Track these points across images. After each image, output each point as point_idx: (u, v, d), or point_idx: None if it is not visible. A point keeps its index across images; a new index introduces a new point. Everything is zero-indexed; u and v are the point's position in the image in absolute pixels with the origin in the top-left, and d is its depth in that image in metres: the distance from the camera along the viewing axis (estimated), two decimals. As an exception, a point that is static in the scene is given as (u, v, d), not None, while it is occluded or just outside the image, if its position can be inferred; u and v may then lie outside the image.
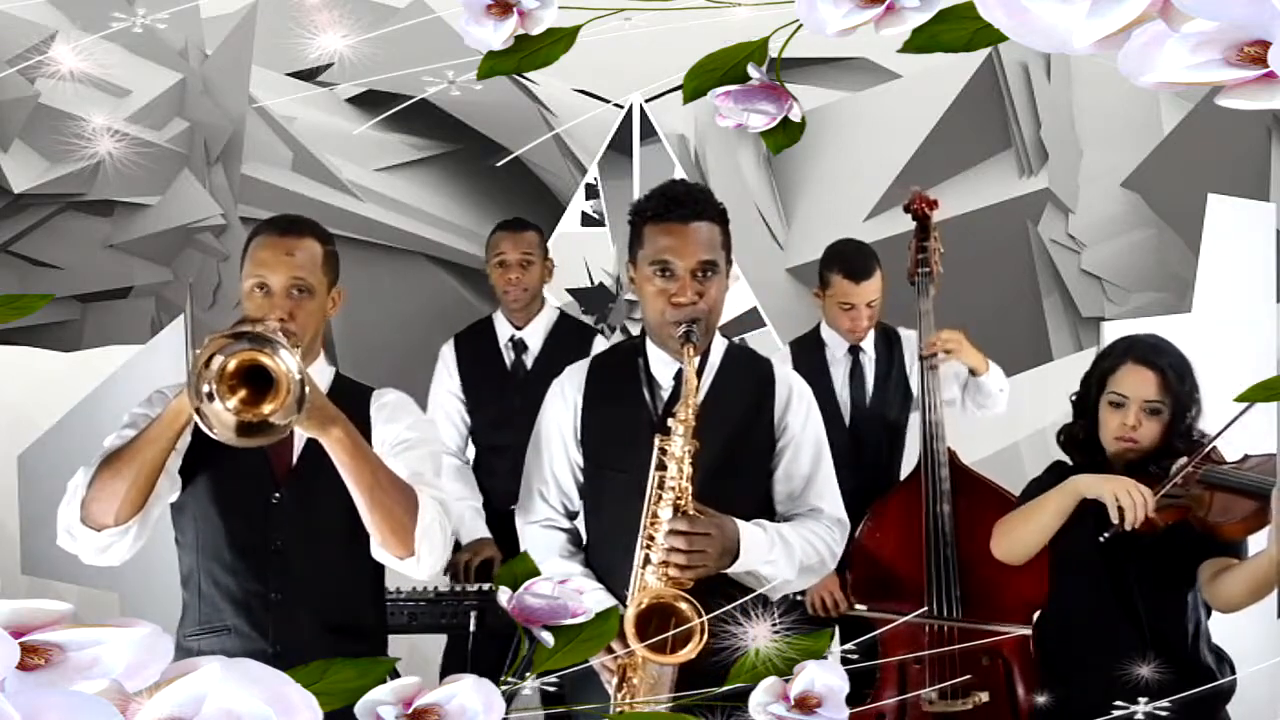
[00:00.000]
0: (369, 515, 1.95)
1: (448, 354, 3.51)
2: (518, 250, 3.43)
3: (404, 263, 4.26)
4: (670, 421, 2.11)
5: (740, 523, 2.13)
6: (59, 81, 3.82)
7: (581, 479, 2.32)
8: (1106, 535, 2.24)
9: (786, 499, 2.30)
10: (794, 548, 2.20)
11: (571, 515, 2.36)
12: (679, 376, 2.21)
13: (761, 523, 2.19)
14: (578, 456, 2.31)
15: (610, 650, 2.07)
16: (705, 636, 1.93)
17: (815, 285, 3.42)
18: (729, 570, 2.12)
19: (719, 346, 2.32)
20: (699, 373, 2.18)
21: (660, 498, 2.10)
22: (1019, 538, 2.44)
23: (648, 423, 2.23)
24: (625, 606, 2.07)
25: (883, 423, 3.38)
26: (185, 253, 4.15)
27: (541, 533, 2.33)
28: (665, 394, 2.27)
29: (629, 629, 1.99)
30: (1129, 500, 2.23)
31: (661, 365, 2.28)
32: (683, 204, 2.21)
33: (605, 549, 2.27)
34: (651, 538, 2.10)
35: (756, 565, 2.14)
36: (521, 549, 2.35)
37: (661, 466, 2.11)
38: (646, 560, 2.10)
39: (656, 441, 2.11)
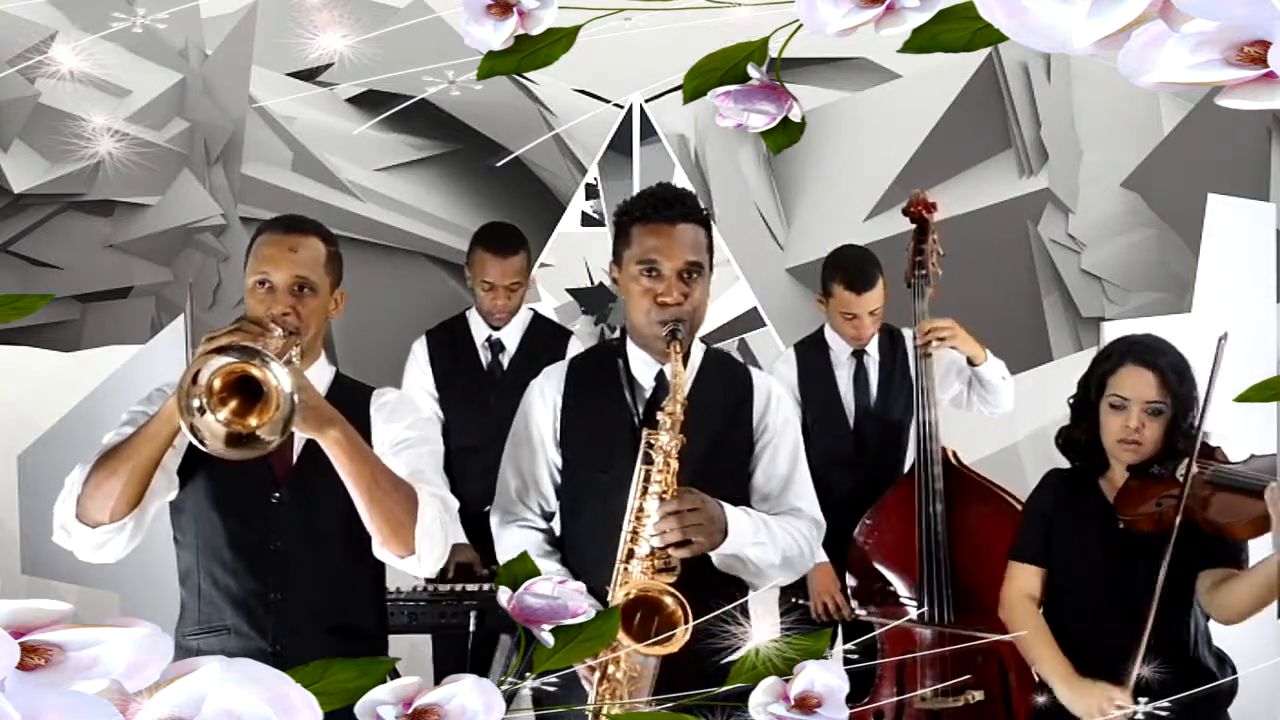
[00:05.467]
0: (368, 515, 1.95)
1: (419, 351, 3.51)
2: (506, 278, 3.40)
3: (404, 263, 4.26)
4: (659, 415, 2.13)
5: (726, 505, 2.16)
6: (59, 81, 3.82)
7: (559, 480, 2.34)
8: None
9: (765, 499, 2.33)
10: (777, 535, 2.23)
11: (548, 516, 2.37)
12: (660, 377, 2.26)
13: (745, 509, 2.22)
14: (556, 457, 2.33)
15: None
16: (690, 628, 1.93)
17: (816, 288, 3.43)
18: (719, 555, 2.14)
19: (698, 351, 2.34)
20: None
21: (646, 490, 2.12)
22: (1006, 613, 2.52)
23: (629, 423, 2.24)
24: (604, 604, 2.06)
25: (887, 423, 3.38)
26: (185, 253, 4.16)
27: (518, 532, 2.33)
28: (646, 395, 2.28)
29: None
30: (1102, 715, 2.26)
31: (642, 366, 2.30)
32: (670, 205, 2.23)
33: (583, 549, 2.28)
34: (635, 532, 2.11)
35: (745, 548, 2.17)
36: (495, 548, 2.36)
37: (648, 460, 2.12)
38: (630, 554, 2.11)
39: (644, 435, 2.13)
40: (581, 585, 2.13)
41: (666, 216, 2.21)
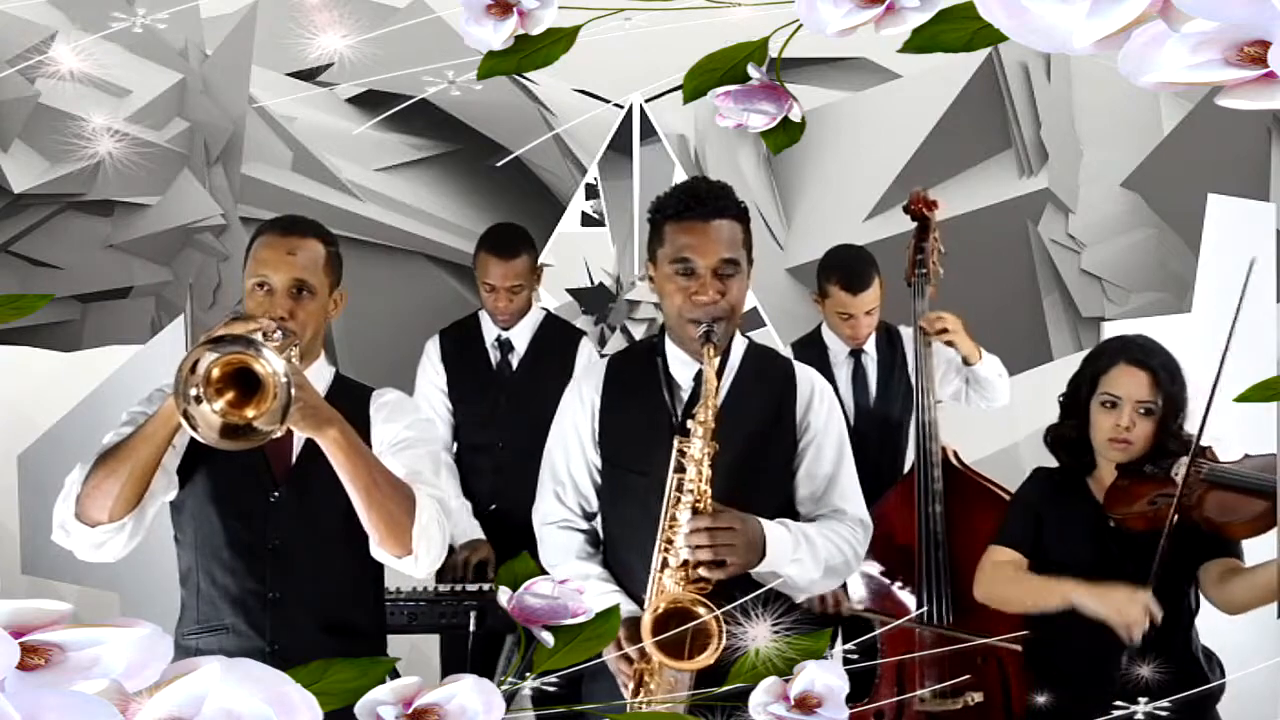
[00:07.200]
0: (366, 514, 1.95)
1: (432, 350, 3.50)
2: (506, 280, 3.38)
3: (404, 263, 4.26)
4: (689, 423, 2.09)
5: (764, 521, 2.11)
6: (59, 81, 3.82)
7: (599, 480, 2.30)
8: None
9: (809, 500, 2.27)
10: (818, 547, 2.17)
11: (589, 516, 2.33)
12: (699, 377, 2.19)
13: (785, 522, 2.16)
14: (595, 457, 2.29)
15: (627, 657, 2.07)
16: (723, 641, 1.90)
17: (814, 289, 3.43)
18: (756, 571, 2.09)
19: (739, 345, 2.29)
20: (719, 372, 2.16)
21: (679, 500, 2.08)
22: (998, 597, 2.50)
23: (667, 424, 2.21)
24: (644, 610, 2.05)
25: (886, 423, 3.38)
26: (185, 253, 4.16)
27: (559, 533, 2.31)
28: (685, 394, 2.24)
29: (646, 634, 1.97)
30: (1133, 615, 2.23)
31: (680, 365, 2.25)
32: (704, 201, 2.17)
33: (624, 550, 2.25)
34: (670, 541, 2.07)
35: (783, 565, 2.11)
36: (539, 550, 2.34)
37: (680, 469, 2.08)
38: (664, 564, 2.08)
39: (675, 444, 2.09)
40: (615, 589, 2.14)
41: (700, 213, 2.16)
